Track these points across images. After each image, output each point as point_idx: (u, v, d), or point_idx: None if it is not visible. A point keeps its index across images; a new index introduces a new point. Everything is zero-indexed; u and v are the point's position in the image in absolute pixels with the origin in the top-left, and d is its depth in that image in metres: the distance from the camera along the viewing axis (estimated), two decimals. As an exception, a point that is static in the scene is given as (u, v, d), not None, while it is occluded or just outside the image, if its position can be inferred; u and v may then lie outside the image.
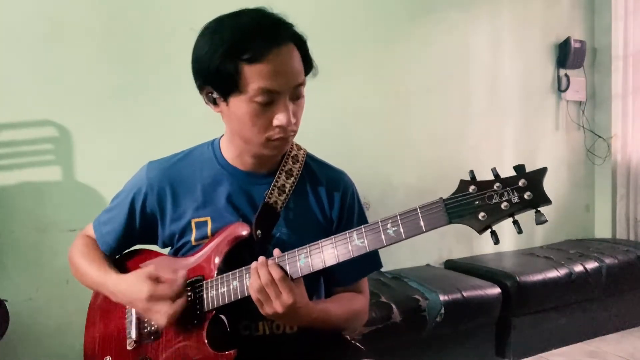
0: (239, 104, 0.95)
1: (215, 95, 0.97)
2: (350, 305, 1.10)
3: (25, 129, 1.92)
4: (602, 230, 3.42)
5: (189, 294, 1.01)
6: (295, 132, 1.00)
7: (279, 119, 0.94)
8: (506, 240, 3.03)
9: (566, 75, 3.23)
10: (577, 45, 3.19)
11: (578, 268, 2.54)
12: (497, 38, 3.02)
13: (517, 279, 2.37)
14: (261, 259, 0.92)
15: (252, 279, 0.91)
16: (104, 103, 2.02)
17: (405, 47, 2.72)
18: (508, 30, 3.05)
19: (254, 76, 0.90)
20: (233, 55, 0.90)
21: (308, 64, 0.99)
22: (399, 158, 2.72)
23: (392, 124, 2.70)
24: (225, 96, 0.95)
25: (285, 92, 0.93)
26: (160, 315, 0.95)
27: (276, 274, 0.89)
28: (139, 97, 2.08)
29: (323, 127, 2.40)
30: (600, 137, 3.35)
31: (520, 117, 3.11)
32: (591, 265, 2.59)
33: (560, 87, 3.25)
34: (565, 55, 3.18)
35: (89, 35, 2.00)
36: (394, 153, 2.70)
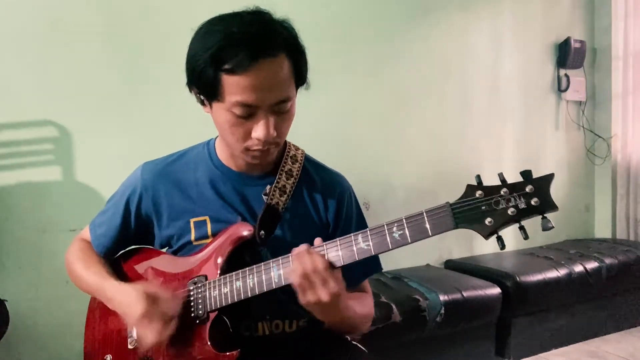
0: (219, 111, 0.95)
1: (202, 97, 0.97)
2: (366, 305, 1.10)
3: (25, 129, 1.92)
4: (602, 230, 3.42)
5: (192, 293, 1.01)
6: (277, 143, 0.99)
7: (257, 132, 0.93)
8: (506, 240, 3.01)
9: (566, 75, 3.23)
10: (577, 45, 3.19)
11: (578, 268, 2.54)
12: (497, 38, 3.02)
13: (517, 279, 2.37)
14: (304, 246, 0.91)
15: (294, 265, 0.89)
16: (104, 103, 2.02)
17: (405, 47, 2.72)
18: (508, 30, 3.05)
19: (233, 88, 0.89)
20: (214, 63, 0.88)
21: (300, 76, 0.97)
22: (399, 158, 2.72)
23: (392, 124, 2.70)
24: (209, 100, 0.96)
25: (265, 107, 0.91)
26: (151, 335, 0.95)
27: (321, 262, 0.87)
28: (139, 97, 2.08)
29: (323, 128, 2.41)
30: (600, 137, 3.35)
31: (520, 117, 3.11)
32: (591, 265, 2.59)
33: (560, 87, 3.25)
34: (565, 55, 3.18)
35: (89, 36, 2.00)
36: (393, 153, 2.70)
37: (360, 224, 1.14)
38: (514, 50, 3.07)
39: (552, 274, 2.47)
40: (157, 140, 2.01)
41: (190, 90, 0.99)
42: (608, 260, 2.64)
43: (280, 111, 0.94)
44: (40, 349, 1.94)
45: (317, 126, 2.36)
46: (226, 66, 0.88)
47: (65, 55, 1.96)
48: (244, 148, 0.97)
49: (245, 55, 0.86)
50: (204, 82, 0.92)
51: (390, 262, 2.58)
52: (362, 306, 1.06)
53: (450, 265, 2.79)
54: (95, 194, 1.99)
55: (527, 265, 2.58)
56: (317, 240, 0.92)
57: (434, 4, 2.80)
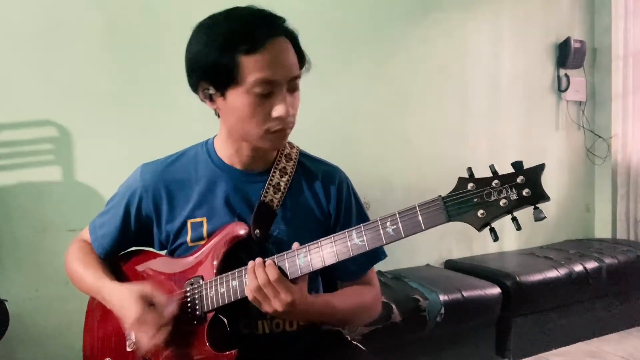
0: (236, 97, 0.94)
1: (211, 91, 0.96)
2: (357, 298, 1.09)
3: (25, 129, 1.92)
4: (602, 230, 3.42)
5: (189, 294, 1.01)
6: (293, 124, 1.00)
7: (278, 110, 0.94)
8: (506, 240, 3.03)
9: (566, 75, 3.23)
10: (577, 45, 3.19)
11: (578, 268, 2.54)
12: (497, 38, 3.02)
13: (517, 279, 2.37)
14: (258, 259, 0.92)
15: (248, 279, 0.91)
16: (104, 103, 2.02)
17: (405, 47, 2.72)
18: (508, 30, 3.05)
19: (252, 67, 0.91)
20: (230, 46, 0.90)
21: (302, 59, 1.00)
22: (399, 158, 2.72)
23: (392, 124, 2.70)
24: (223, 90, 0.95)
25: (283, 83, 0.94)
26: (145, 339, 0.95)
27: (272, 275, 0.89)
28: (139, 97, 2.08)
29: (323, 127, 2.41)
30: (600, 137, 3.35)
31: (520, 117, 3.11)
32: (591, 265, 2.59)
33: (560, 87, 3.25)
34: (565, 55, 3.18)
35: (89, 35, 2.00)
36: (393, 153, 2.70)
37: (359, 214, 1.14)
38: (514, 50, 3.07)
39: (552, 274, 2.47)
40: (158, 140, 2.00)
41: (196, 89, 0.99)
42: (608, 260, 2.64)
43: (293, 89, 0.97)
44: (40, 349, 1.94)
45: (318, 126, 2.35)
46: (243, 47, 0.90)
47: (65, 55, 1.96)
48: (264, 131, 0.97)
49: (259, 34, 0.90)
50: (218, 70, 0.92)
51: (391, 262, 2.57)
52: (346, 300, 1.06)
53: (450, 265, 2.79)
54: (95, 194, 1.99)
55: (527, 265, 2.58)
56: (295, 245, 0.93)
57: (434, 4, 2.80)
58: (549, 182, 3.21)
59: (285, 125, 0.97)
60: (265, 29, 0.91)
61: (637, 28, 3.15)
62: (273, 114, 0.94)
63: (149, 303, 0.97)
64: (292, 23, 0.99)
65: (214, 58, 0.92)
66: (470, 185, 0.82)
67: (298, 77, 0.97)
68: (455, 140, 2.88)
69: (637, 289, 2.76)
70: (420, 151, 2.77)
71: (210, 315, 0.99)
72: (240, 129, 0.99)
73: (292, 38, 0.97)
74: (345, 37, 2.54)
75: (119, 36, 2.05)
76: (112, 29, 2.04)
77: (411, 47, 2.74)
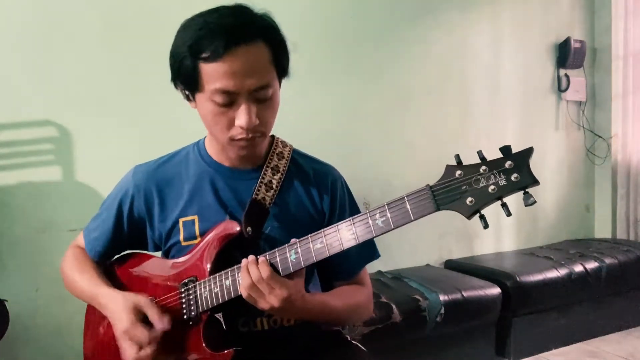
0: (201, 102, 0.96)
1: (186, 91, 0.98)
2: (351, 298, 1.09)
3: (25, 129, 1.92)
4: (602, 230, 3.41)
5: (183, 295, 1.01)
6: (263, 132, 0.99)
7: (239, 120, 0.93)
8: (506, 240, 3.03)
9: (566, 75, 3.23)
10: (577, 45, 3.19)
11: (578, 268, 2.54)
12: (497, 38, 3.02)
13: (517, 279, 2.37)
14: (251, 257, 0.92)
15: (242, 277, 0.91)
16: (104, 103, 2.02)
17: (406, 47, 2.72)
18: (508, 30, 3.05)
19: (211, 76, 0.90)
20: (193, 53, 0.90)
21: (281, 66, 0.97)
22: (399, 158, 2.72)
23: (392, 125, 2.70)
24: (192, 93, 0.97)
25: (244, 94, 0.92)
26: (127, 353, 0.95)
27: (265, 271, 0.89)
28: (140, 96, 2.08)
29: (323, 128, 2.41)
30: (600, 137, 3.35)
31: (520, 117, 3.11)
32: (591, 265, 2.59)
33: (560, 87, 3.25)
34: (565, 55, 3.18)
35: (89, 35, 2.00)
36: (394, 154, 2.70)
37: (353, 211, 1.14)
38: (514, 50, 3.07)
39: (552, 274, 2.47)
40: (158, 140, 2.00)
41: (176, 87, 1.00)
42: (608, 260, 2.64)
43: (261, 98, 0.94)
44: (40, 349, 1.94)
45: (318, 126, 2.35)
46: (203, 55, 0.89)
47: (65, 55, 1.96)
48: (229, 138, 0.97)
49: (220, 42, 0.88)
50: (184, 74, 0.93)
51: (391, 262, 2.58)
52: (341, 300, 1.06)
53: (450, 265, 2.79)
54: (95, 194, 1.99)
55: (527, 265, 2.58)
56: (293, 241, 0.93)
57: (435, 4, 2.80)
58: (549, 182, 3.22)
59: (249, 134, 0.95)
60: (230, 37, 0.88)
61: (637, 28, 3.15)
62: (236, 122, 0.94)
63: (141, 316, 0.96)
64: (281, 25, 0.96)
65: (180, 61, 0.93)
66: (457, 173, 0.81)
67: (265, 86, 0.93)
68: (455, 140, 2.87)
69: (637, 289, 2.76)
70: (421, 151, 2.77)
71: (205, 315, 0.99)
72: (210, 132, 1.02)
73: (273, 43, 0.94)
74: (346, 37, 2.54)
75: (119, 36, 2.05)
76: (112, 29, 2.04)
77: (411, 47, 2.74)
